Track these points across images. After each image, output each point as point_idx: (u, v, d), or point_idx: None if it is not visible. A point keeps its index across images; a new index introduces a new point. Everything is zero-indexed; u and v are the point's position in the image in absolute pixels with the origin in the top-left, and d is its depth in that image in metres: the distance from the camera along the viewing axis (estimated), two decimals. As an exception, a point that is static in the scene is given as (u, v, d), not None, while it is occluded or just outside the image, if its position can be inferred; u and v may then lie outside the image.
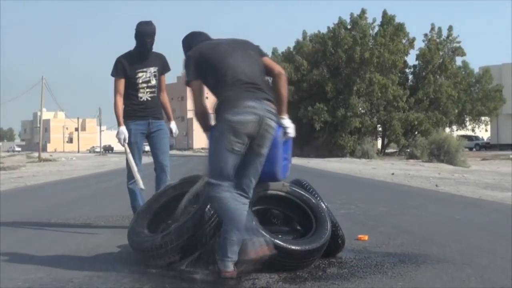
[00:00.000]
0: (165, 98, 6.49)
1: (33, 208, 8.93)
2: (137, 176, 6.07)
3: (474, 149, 60.68)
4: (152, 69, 6.26)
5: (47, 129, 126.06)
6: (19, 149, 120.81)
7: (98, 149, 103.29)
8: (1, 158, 42.63)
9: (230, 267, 3.90)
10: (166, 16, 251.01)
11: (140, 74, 6.22)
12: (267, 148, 3.98)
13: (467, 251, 4.99)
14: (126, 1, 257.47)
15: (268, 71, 4.18)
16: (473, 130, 57.28)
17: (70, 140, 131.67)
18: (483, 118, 56.02)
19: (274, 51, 57.34)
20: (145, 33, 6.10)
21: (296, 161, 36.21)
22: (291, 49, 55.82)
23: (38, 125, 66.24)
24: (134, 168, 6.11)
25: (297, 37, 56.97)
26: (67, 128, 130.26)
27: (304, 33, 56.02)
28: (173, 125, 6.52)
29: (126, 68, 6.19)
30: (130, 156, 6.17)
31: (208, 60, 4.05)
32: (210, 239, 4.26)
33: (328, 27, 52.97)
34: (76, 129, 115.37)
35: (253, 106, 3.87)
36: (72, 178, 18.80)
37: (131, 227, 4.47)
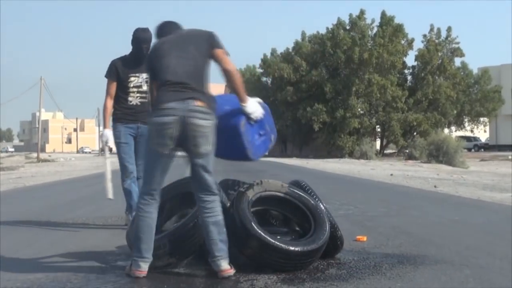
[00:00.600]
0: None
1: (31, 208, 8.93)
2: (109, 185, 6.24)
3: (473, 150, 60.69)
4: (145, 75, 6.28)
5: (45, 130, 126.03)
6: (12, 149, 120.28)
7: (87, 150, 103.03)
8: (0, 159, 42.57)
9: (223, 265, 3.94)
10: (164, 17, 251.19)
11: (132, 79, 6.33)
12: (208, 145, 3.94)
13: (465, 252, 4.99)
14: (125, 3, 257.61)
15: (218, 64, 4.13)
16: (471, 131, 57.27)
17: (69, 141, 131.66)
18: (482, 119, 56.01)
19: (273, 52, 57.35)
20: (141, 39, 6.21)
21: (295, 161, 36.25)
22: (290, 50, 55.78)
23: (37, 126, 66.21)
24: (108, 176, 6.26)
25: (296, 38, 56.95)
26: (65, 129, 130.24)
27: (303, 33, 56.02)
28: None
29: (119, 71, 6.30)
30: (108, 162, 6.34)
31: (153, 61, 4.17)
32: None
33: (327, 28, 52.96)
34: (75, 130, 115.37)
35: (173, 107, 3.91)
36: (71, 178, 18.80)
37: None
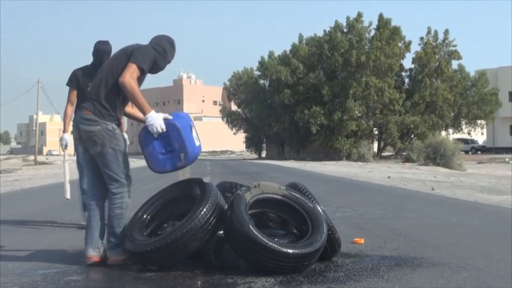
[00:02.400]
0: None
1: (29, 211, 8.93)
2: (67, 185, 6.80)
3: (470, 152, 60.74)
4: None
5: (43, 132, 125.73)
6: None
7: (55, 153, 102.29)
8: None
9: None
10: (162, 18, 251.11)
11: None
12: (96, 147, 4.53)
13: (462, 254, 5.00)
14: (123, 4, 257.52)
15: None
16: (469, 134, 57.37)
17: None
18: (479, 121, 56.13)
19: (271, 54, 57.42)
20: (103, 51, 6.59)
21: (292, 164, 36.24)
22: (288, 52, 55.83)
23: (34, 128, 66.13)
24: (66, 178, 6.82)
25: (294, 40, 57.08)
26: (63, 131, 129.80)
27: (301, 36, 56.09)
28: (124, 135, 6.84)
29: (79, 80, 6.69)
30: (66, 165, 6.88)
31: None
32: (206, 242, 4.27)
33: (325, 31, 53.10)
34: (73, 132, 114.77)
35: (75, 116, 4.83)
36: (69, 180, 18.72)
37: (127, 230, 4.47)
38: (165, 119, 4.46)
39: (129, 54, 4.50)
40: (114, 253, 4.47)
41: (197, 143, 4.58)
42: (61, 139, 6.90)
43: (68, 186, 6.84)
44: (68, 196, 6.88)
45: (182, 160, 4.49)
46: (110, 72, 4.54)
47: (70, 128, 6.99)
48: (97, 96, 4.53)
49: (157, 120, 4.41)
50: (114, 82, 4.48)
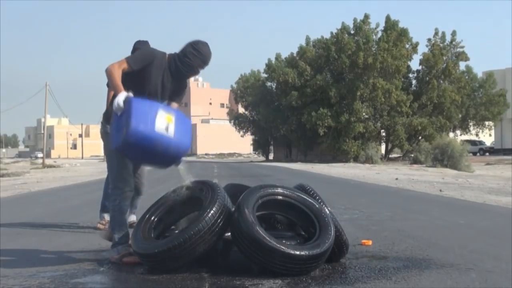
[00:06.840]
0: None
1: (37, 214, 8.95)
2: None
3: (478, 154, 60.52)
4: None
5: (51, 136, 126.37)
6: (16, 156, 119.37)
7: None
8: (6, 165, 42.68)
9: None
10: (168, 20, 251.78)
11: None
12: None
13: (471, 255, 4.98)
14: (132, 5, 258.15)
15: None
16: (477, 135, 57.15)
17: (74, 147, 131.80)
18: (486, 122, 55.85)
19: (278, 56, 57.44)
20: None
21: (299, 166, 36.23)
22: (295, 55, 55.84)
23: (42, 132, 66.39)
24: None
25: (300, 43, 56.98)
26: (71, 135, 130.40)
27: (307, 38, 56.08)
28: None
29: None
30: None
31: None
32: (213, 244, 4.27)
33: (331, 33, 53.02)
34: (80, 136, 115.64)
35: None
36: (76, 184, 18.83)
37: (134, 232, 4.48)
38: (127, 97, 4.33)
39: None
40: (111, 252, 4.73)
41: (161, 129, 4.23)
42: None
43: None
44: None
45: (124, 139, 4.20)
46: None
47: None
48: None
49: (118, 97, 4.32)
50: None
